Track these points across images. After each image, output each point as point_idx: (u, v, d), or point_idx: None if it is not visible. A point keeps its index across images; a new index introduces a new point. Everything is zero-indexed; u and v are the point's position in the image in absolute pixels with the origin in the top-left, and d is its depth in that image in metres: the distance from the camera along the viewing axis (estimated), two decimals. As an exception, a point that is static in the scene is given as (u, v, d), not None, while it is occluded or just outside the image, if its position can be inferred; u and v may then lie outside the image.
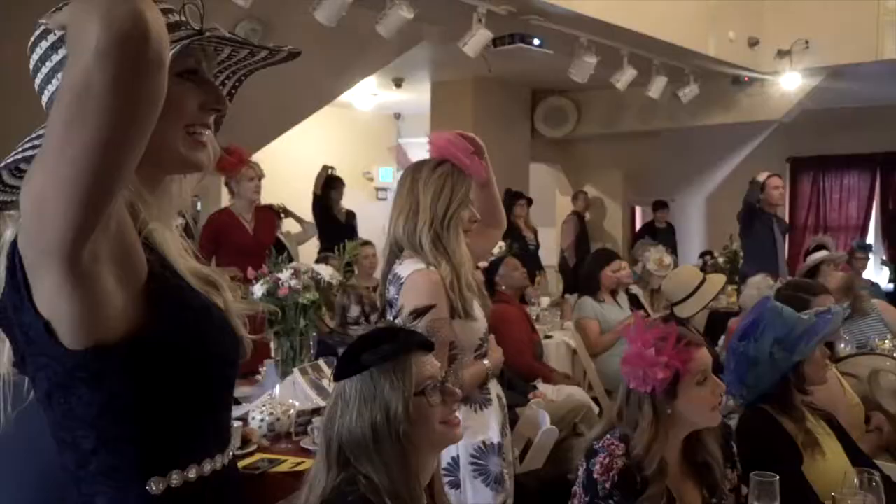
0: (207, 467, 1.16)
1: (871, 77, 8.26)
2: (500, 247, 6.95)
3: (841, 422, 2.77)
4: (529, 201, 8.85)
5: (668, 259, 6.70)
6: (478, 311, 2.39)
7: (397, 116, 11.14)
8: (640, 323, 2.10)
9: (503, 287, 5.14)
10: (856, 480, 1.90)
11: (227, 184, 5.11)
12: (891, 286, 6.16)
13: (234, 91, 1.31)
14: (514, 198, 8.65)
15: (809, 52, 7.56)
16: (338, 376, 1.56)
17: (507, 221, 9.51)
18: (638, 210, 11.05)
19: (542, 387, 4.64)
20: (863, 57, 7.52)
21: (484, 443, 2.33)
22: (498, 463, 2.35)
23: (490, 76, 7.85)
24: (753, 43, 7.82)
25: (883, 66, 7.70)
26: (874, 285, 7.00)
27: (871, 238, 10.55)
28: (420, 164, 2.39)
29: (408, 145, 8.45)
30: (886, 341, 4.10)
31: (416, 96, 9.51)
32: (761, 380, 2.58)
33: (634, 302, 5.74)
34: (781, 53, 7.70)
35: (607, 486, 2.00)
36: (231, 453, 1.24)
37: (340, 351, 1.61)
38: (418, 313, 1.65)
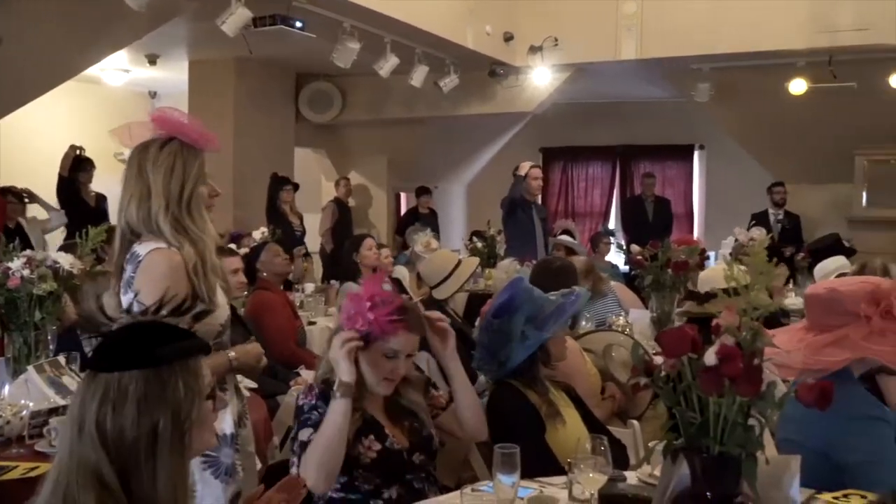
0: None
1: (611, 75, 8.99)
2: (262, 232, 6.84)
3: (579, 392, 2.99)
4: (296, 186, 8.75)
5: (435, 243, 6.90)
6: (221, 297, 2.31)
7: (153, 95, 10.56)
8: (379, 279, 2.40)
9: (264, 274, 5.03)
10: (588, 446, 2.05)
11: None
12: (627, 268, 6.75)
13: None
14: (280, 183, 8.54)
15: (558, 49, 8.08)
16: (108, 366, 1.36)
17: (273, 207, 9.27)
18: (403, 196, 11.26)
19: (305, 373, 4.60)
20: (604, 56, 8.16)
21: (216, 434, 2.27)
22: (230, 454, 2.30)
23: (252, 57, 7.64)
24: (508, 38, 8.22)
25: (622, 66, 8.41)
26: (614, 267, 7.63)
27: (612, 224, 11.53)
28: (146, 145, 2.25)
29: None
30: (621, 318, 4.48)
31: (173, 74, 9.06)
32: (513, 355, 2.73)
33: (398, 285, 5.86)
34: (533, 49, 8.16)
35: (312, 400, 2.27)
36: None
37: (93, 341, 1.42)
38: (166, 307, 1.53)
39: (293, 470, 2.24)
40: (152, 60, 8.62)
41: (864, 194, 9.11)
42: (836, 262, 5.12)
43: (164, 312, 1.46)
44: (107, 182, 7.92)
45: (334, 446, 2.18)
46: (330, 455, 2.17)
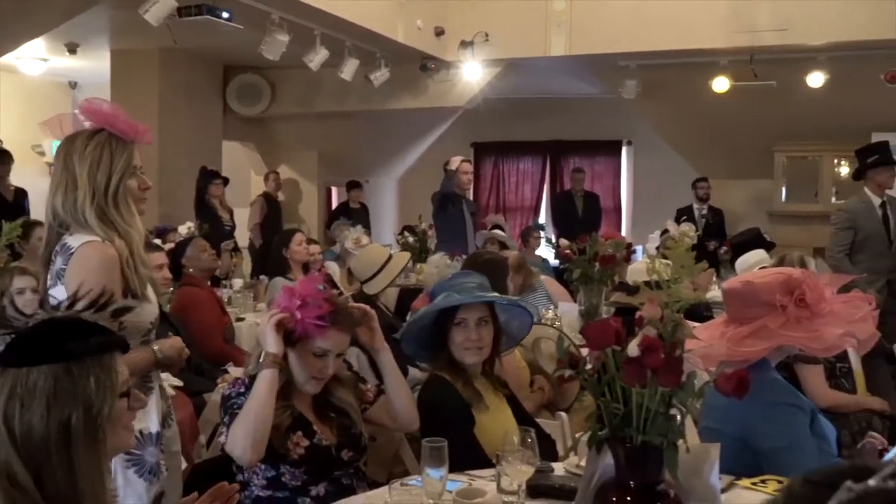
0: None
1: (541, 71, 9.08)
2: (188, 227, 6.70)
3: (510, 385, 3.02)
4: (226, 181, 8.62)
5: (365, 239, 6.86)
6: (151, 293, 2.27)
7: (73, 85, 10.24)
8: (316, 280, 2.41)
9: (191, 269, 4.93)
10: (515, 438, 2.07)
11: None
12: (557, 262, 6.84)
13: None
14: (209, 177, 8.40)
15: (489, 45, 8.11)
16: (17, 361, 1.32)
17: (202, 201, 9.13)
18: (334, 190, 11.18)
19: (233, 370, 4.52)
20: (534, 52, 8.23)
21: (141, 432, 2.22)
22: (155, 453, 2.27)
23: (177, 48, 7.47)
24: (439, 32, 8.21)
25: (551, 62, 8.50)
26: (545, 261, 7.72)
27: (542, 218, 11.66)
28: (73, 136, 2.21)
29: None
30: (549, 312, 4.52)
31: (95, 64, 8.79)
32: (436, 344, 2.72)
33: (328, 281, 5.81)
34: (464, 44, 8.18)
35: (240, 388, 2.29)
36: None
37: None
38: (99, 304, 1.49)
39: (220, 439, 2.27)
40: (72, 49, 8.35)
41: (783, 189, 9.42)
42: (757, 255, 5.27)
43: (78, 308, 1.42)
44: (25, 176, 7.66)
45: (262, 415, 2.20)
46: (258, 424, 2.19)
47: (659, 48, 7.84)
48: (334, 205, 11.00)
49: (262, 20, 6.54)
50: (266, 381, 2.22)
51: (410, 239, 7.62)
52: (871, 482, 0.51)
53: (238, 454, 2.20)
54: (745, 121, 8.85)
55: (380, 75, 8.07)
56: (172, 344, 2.35)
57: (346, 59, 7.62)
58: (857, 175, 6.04)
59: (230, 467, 2.36)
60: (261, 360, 2.26)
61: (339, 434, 2.36)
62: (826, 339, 2.10)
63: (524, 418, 2.80)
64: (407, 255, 5.02)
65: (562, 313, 4.70)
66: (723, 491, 1.90)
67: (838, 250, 5.75)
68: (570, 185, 10.70)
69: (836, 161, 9.14)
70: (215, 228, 7.59)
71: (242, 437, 2.19)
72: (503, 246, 6.66)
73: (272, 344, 2.25)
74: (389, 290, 5.41)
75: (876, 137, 7.23)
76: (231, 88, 9.64)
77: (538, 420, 2.98)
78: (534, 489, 2.07)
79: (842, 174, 9.19)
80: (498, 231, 7.02)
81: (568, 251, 4.93)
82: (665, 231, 7.21)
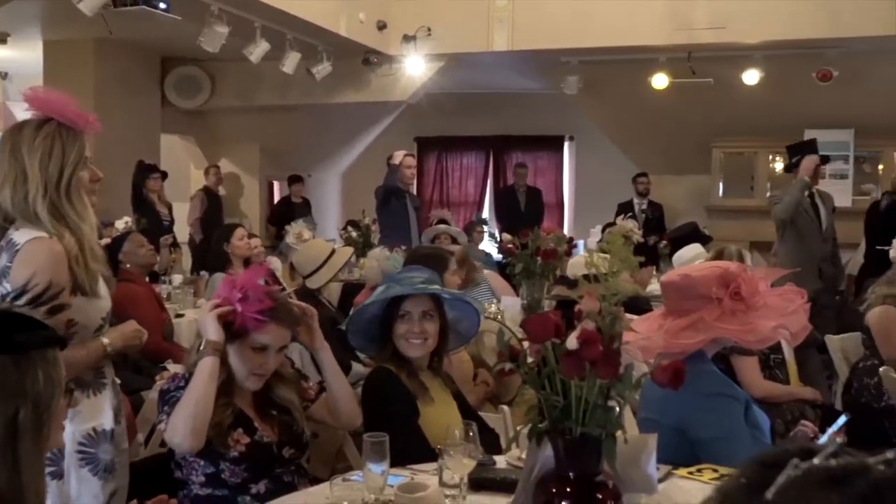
0: None
1: (484, 66, 9.11)
2: (126, 222, 6.56)
3: (454, 378, 3.03)
4: (164, 175, 8.46)
5: (307, 233, 6.82)
6: (103, 288, 2.22)
7: (4, 76, 9.93)
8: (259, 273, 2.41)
9: (128, 265, 4.83)
10: (457, 432, 2.08)
11: None
12: (499, 256, 6.88)
13: None
14: (147, 171, 8.23)
15: (432, 39, 8.10)
16: None
17: (139, 195, 8.97)
18: (276, 185, 11.06)
19: (172, 367, 4.45)
20: (477, 47, 8.25)
21: (95, 429, 2.18)
22: (109, 450, 2.22)
23: (113, 39, 7.31)
24: (382, 26, 8.18)
25: (494, 57, 8.53)
26: (488, 256, 7.76)
27: (486, 213, 11.71)
28: (20, 126, 2.13)
29: (16, 108, 7.56)
30: (493, 306, 4.55)
31: (26, 54, 8.52)
32: (381, 336, 2.72)
33: (271, 276, 5.75)
34: (407, 38, 8.16)
35: (179, 382, 2.26)
36: None
37: None
38: (42, 299, 1.45)
39: (161, 426, 2.24)
40: (2, 39, 8.09)
41: (721, 185, 9.63)
42: (694, 249, 5.38)
43: (21, 301, 1.39)
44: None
45: (202, 402, 2.17)
46: (198, 411, 2.16)
47: (600, 45, 7.93)
48: (276, 199, 10.89)
49: (200, 11, 6.43)
50: (207, 369, 2.20)
51: (354, 234, 7.58)
52: (816, 460, 0.56)
53: (177, 442, 2.18)
54: (684, 117, 9.02)
55: (322, 69, 8.01)
56: (123, 332, 2.30)
57: (288, 53, 7.54)
58: (788, 169, 6.22)
59: (168, 465, 2.32)
60: (201, 349, 2.22)
61: (280, 431, 2.34)
62: (760, 332, 2.15)
63: (469, 413, 2.81)
64: (350, 249, 5.00)
65: (504, 307, 4.73)
66: (660, 480, 1.94)
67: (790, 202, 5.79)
68: (513, 180, 10.77)
69: (770, 157, 9.37)
70: (153, 223, 7.45)
71: (182, 424, 2.16)
72: (454, 241, 6.68)
73: (212, 332, 2.23)
74: (333, 285, 5.39)
75: (808, 134, 7.44)
76: (169, 80, 9.45)
77: (482, 413, 2.99)
78: (476, 482, 2.08)
79: (776, 170, 9.43)
80: (444, 225, 7.03)
81: (510, 246, 4.96)
82: (607, 225, 7.31)
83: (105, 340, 2.23)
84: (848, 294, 7.18)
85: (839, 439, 2.40)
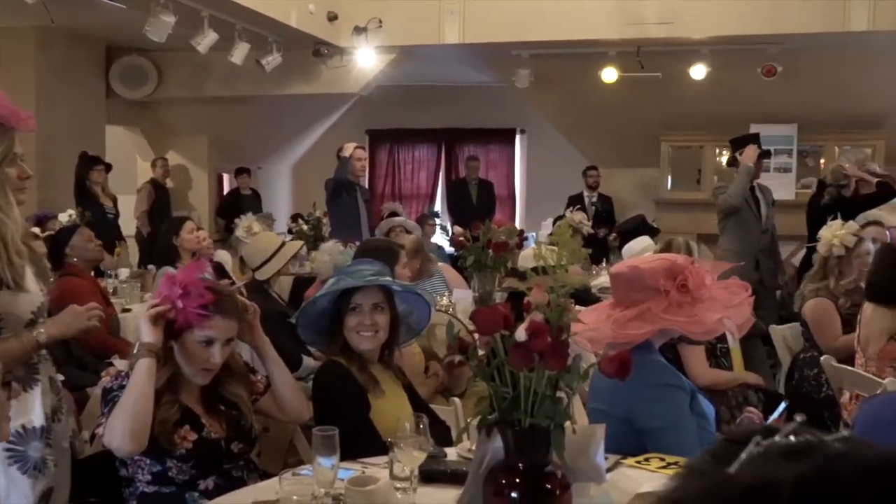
0: None
1: (436, 59, 9.10)
2: (69, 214, 6.42)
3: (405, 370, 3.02)
4: (108, 166, 8.29)
5: (257, 227, 6.74)
6: (31, 282, 2.17)
7: (-61, 66, 9.61)
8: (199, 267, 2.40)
9: (75, 259, 4.73)
10: (407, 425, 2.08)
11: None
12: (451, 249, 6.89)
13: None
14: (90, 163, 8.06)
15: (383, 31, 8.06)
16: None
17: (83, 188, 8.77)
18: (225, 177, 10.91)
19: (118, 363, 4.36)
20: (428, 39, 8.23)
21: (24, 426, 2.13)
22: (39, 448, 2.18)
23: (55, 27, 7.12)
24: (332, 17, 8.11)
25: (445, 50, 8.53)
26: (440, 248, 7.76)
27: (438, 206, 11.72)
28: None
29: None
30: (444, 298, 4.56)
31: (-35, 42, 8.28)
32: (332, 330, 2.70)
33: (219, 270, 5.68)
34: (358, 30, 8.10)
35: (122, 381, 2.22)
36: None
37: None
38: None
39: (98, 431, 2.21)
40: (-63, 27, 7.84)
41: (669, 178, 9.77)
42: (642, 242, 5.46)
43: None
44: None
45: (140, 405, 2.15)
46: (135, 413, 2.14)
47: (550, 38, 7.98)
48: (226, 191, 10.76)
49: (146, 0, 6.31)
50: (143, 371, 2.17)
51: (305, 226, 7.52)
52: (776, 438, 0.61)
53: (116, 445, 2.14)
54: (633, 111, 9.12)
55: (272, 60, 7.91)
56: (58, 320, 2.25)
57: (237, 43, 7.43)
58: (732, 162, 6.35)
59: (114, 463, 2.28)
60: (135, 352, 2.19)
61: (228, 427, 2.32)
62: (705, 324, 2.19)
63: (420, 406, 2.81)
64: (300, 242, 4.96)
65: (456, 300, 4.74)
66: (608, 470, 1.96)
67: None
68: (465, 172, 10.79)
69: (717, 150, 9.53)
70: (97, 216, 7.31)
71: (120, 428, 2.13)
72: (408, 231, 6.66)
73: (147, 334, 2.21)
74: (284, 279, 5.34)
75: (753, 128, 7.59)
76: (114, 71, 9.25)
77: (433, 406, 3.00)
78: (426, 474, 2.08)
79: (723, 163, 9.59)
80: (407, 220, 7.01)
81: (462, 238, 4.97)
82: (558, 218, 7.37)
83: (39, 331, 2.19)
84: (793, 286, 7.36)
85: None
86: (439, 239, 8.41)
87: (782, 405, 2.59)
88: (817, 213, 6.18)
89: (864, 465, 0.57)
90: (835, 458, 0.57)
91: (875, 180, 6.39)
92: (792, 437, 0.61)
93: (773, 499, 0.55)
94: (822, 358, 3.64)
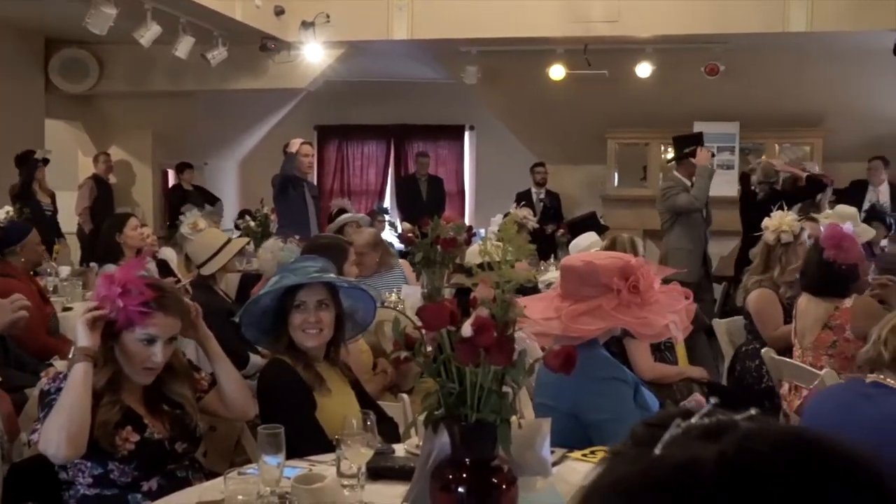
0: None
1: (384, 54, 9.07)
2: (6, 211, 6.23)
3: (352, 367, 3.01)
4: (46, 161, 8.07)
5: (202, 223, 6.63)
6: None
7: None
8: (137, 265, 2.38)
9: (23, 259, 4.63)
10: (354, 422, 2.07)
11: None
12: (401, 246, 6.87)
13: None
14: (39, 164, 7.83)
15: (330, 26, 7.99)
16: None
17: (26, 185, 8.48)
18: (170, 173, 10.72)
19: (59, 364, 4.26)
20: (376, 35, 8.19)
21: None
22: None
23: (-8, 18, 6.91)
24: (279, 11, 8.01)
25: (393, 46, 8.50)
26: (390, 245, 7.73)
27: (387, 202, 11.68)
28: None
29: None
30: (393, 295, 4.54)
31: None
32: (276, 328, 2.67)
33: (164, 267, 5.59)
34: (305, 24, 8.01)
35: (60, 384, 2.17)
36: None
37: None
38: None
39: (33, 437, 2.16)
40: None
41: (615, 174, 9.89)
42: (589, 238, 5.52)
43: None
44: None
45: (76, 409, 2.10)
46: (72, 418, 2.09)
47: (498, 35, 8.01)
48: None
49: (87, -9, 6.17)
50: (79, 375, 2.12)
51: (252, 223, 7.43)
52: (693, 420, 0.65)
53: (52, 452, 2.09)
54: (580, 108, 9.22)
55: (217, 54, 7.80)
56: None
57: (181, 37, 7.31)
58: (677, 159, 6.52)
59: (52, 466, 2.23)
60: (71, 356, 2.15)
61: (171, 426, 2.28)
62: (654, 327, 2.23)
63: (368, 403, 2.80)
64: (246, 239, 4.90)
65: (405, 296, 4.73)
66: (555, 464, 1.98)
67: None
68: (414, 168, 10.77)
69: (662, 148, 9.68)
70: (35, 213, 7.11)
71: (56, 433, 2.08)
72: (360, 226, 6.62)
73: (83, 338, 2.16)
74: (230, 276, 5.27)
75: (697, 126, 7.74)
76: (54, 63, 9.01)
77: (382, 403, 2.99)
78: (374, 471, 2.08)
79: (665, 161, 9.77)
80: (358, 215, 6.97)
81: (410, 235, 4.97)
82: (507, 214, 7.40)
83: None
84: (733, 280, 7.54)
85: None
86: (388, 236, 8.37)
87: (711, 403, 2.65)
88: (753, 209, 6.42)
89: (779, 439, 0.62)
90: (751, 434, 0.62)
91: (805, 174, 6.84)
92: (706, 419, 0.65)
93: (700, 475, 0.60)
94: (762, 350, 3.73)
